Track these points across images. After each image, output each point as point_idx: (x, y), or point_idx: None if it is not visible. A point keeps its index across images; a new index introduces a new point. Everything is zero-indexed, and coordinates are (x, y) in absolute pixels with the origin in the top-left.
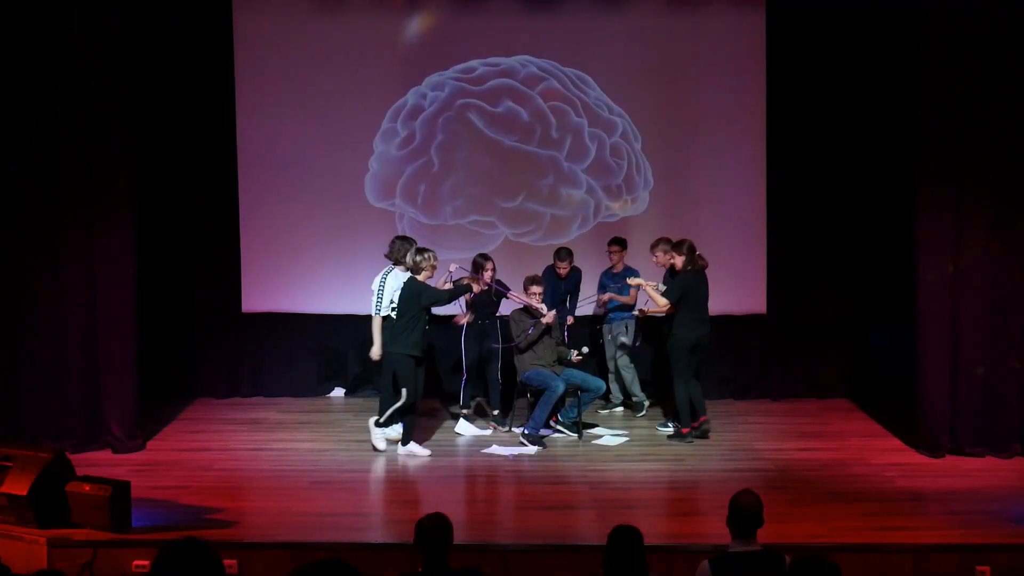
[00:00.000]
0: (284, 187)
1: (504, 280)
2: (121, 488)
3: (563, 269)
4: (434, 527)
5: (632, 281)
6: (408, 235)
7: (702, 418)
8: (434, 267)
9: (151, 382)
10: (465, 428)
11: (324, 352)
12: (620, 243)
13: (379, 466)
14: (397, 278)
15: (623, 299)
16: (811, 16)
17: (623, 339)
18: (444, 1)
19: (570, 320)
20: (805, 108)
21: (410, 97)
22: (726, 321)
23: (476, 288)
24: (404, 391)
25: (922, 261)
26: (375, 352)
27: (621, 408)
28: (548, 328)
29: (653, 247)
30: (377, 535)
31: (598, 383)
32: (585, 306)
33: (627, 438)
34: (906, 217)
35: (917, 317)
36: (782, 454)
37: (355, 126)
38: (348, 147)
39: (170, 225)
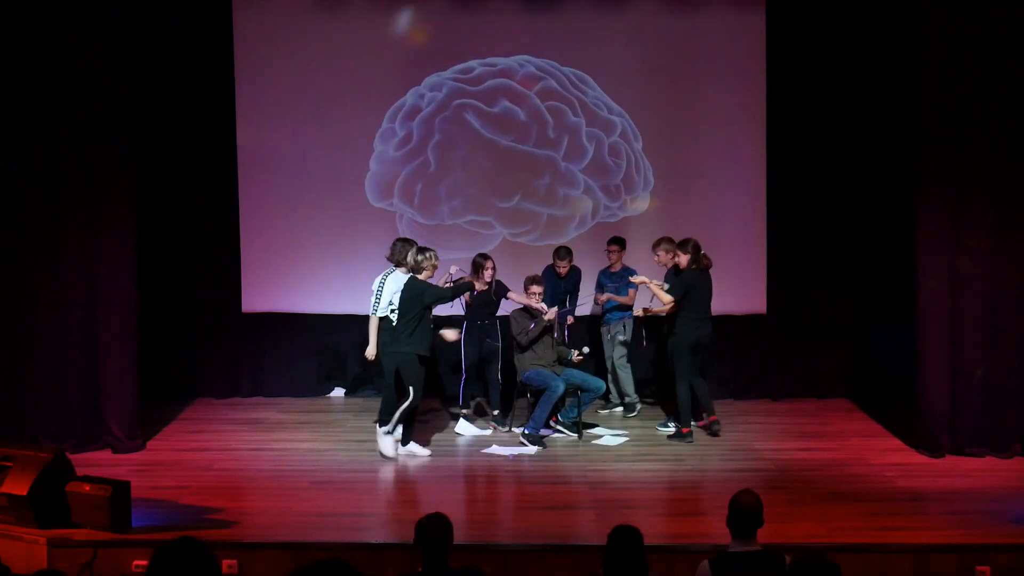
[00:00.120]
0: (284, 187)
1: (504, 280)
2: (121, 488)
3: (563, 268)
4: (434, 527)
5: (636, 279)
6: (407, 236)
7: (711, 417)
8: (435, 267)
9: (151, 382)
10: (465, 428)
11: (324, 352)
12: (619, 243)
13: (379, 466)
14: (397, 280)
15: (621, 299)
16: (811, 16)
17: (621, 339)
18: (444, 1)
19: (570, 320)
20: (805, 108)
21: (409, 97)
22: (726, 321)
23: (478, 286)
24: (411, 390)
25: (922, 261)
26: (370, 352)
27: (621, 408)
28: (550, 325)
29: (655, 246)
30: (377, 535)
31: (598, 383)
32: (584, 306)
33: (627, 438)
34: (906, 217)
35: (917, 317)
36: (782, 454)
37: (355, 126)
38: (348, 147)
39: (170, 225)
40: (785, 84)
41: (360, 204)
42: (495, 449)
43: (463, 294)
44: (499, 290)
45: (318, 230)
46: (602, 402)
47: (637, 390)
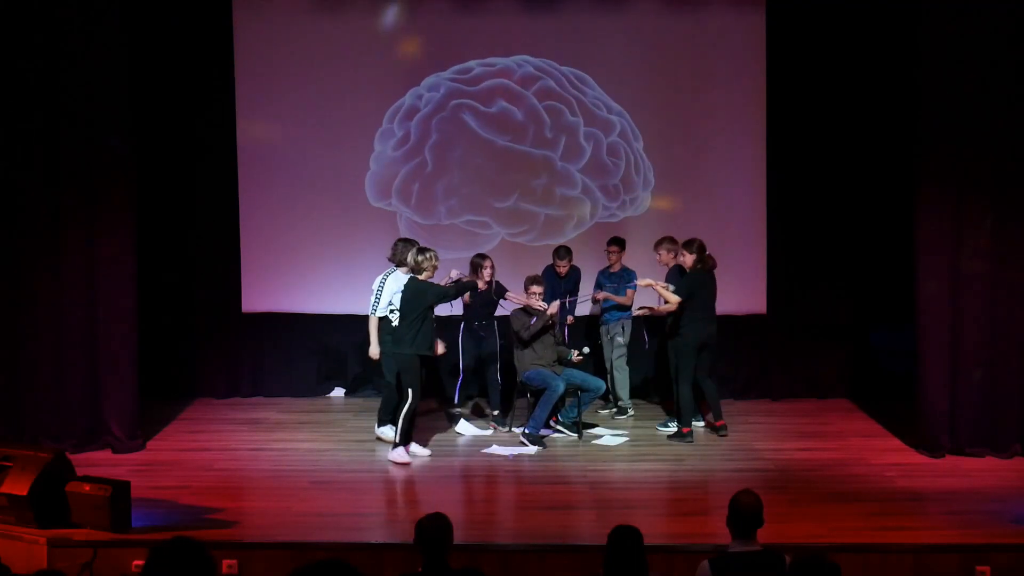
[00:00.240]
0: (284, 187)
1: (503, 281)
2: (121, 488)
3: (562, 268)
4: (434, 527)
5: (642, 282)
6: (408, 236)
7: (719, 422)
8: (435, 267)
9: (151, 382)
10: (465, 428)
11: (324, 352)
12: (619, 243)
13: (379, 466)
14: (397, 280)
15: (619, 299)
16: (811, 16)
17: (620, 340)
18: (445, 2)
19: (570, 320)
20: (805, 108)
21: (408, 98)
22: (726, 321)
23: (481, 285)
24: (410, 392)
25: (922, 261)
26: (374, 351)
27: (614, 410)
28: (552, 321)
29: (657, 246)
30: (377, 535)
31: (598, 383)
32: (583, 305)
33: (627, 438)
34: (906, 217)
35: (917, 317)
36: (782, 454)
37: (355, 126)
38: (348, 147)
39: (170, 225)
40: (785, 84)
41: (360, 204)
42: (495, 449)
43: (465, 293)
44: (498, 290)
45: (318, 230)
46: (602, 402)
47: (638, 391)
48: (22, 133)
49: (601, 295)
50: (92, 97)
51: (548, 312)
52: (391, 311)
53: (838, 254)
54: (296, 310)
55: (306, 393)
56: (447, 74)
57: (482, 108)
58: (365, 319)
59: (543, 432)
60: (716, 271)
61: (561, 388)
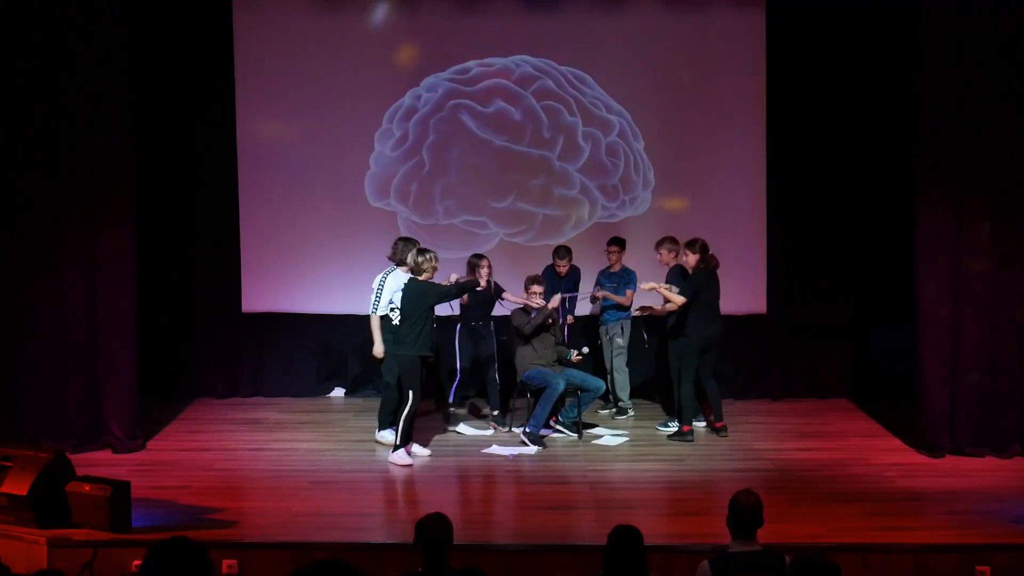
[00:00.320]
0: (284, 187)
1: (503, 281)
2: (121, 488)
3: (562, 268)
4: (434, 527)
5: (645, 286)
6: (408, 236)
7: (719, 424)
8: (435, 269)
9: (151, 382)
10: (466, 428)
11: (324, 352)
12: (619, 243)
13: (379, 466)
14: (398, 278)
15: (618, 299)
16: (811, 16)
17: (619, 341)
18: (445, 2)
19: (570, 320)
20: (805, 108)
21: (407, 98)
22: (726, 321)
23: (483, 283)
24: (411, 394)
25: (922, 261)
26: (378, 350)
27: (613, 410)
28: (553, 314)
29: (658, 245)
30: (377, 535)
31: (598, 383)
32: (583, 305)
33: (627, 438)
34: (906, 217)
35: (917, 317)
36: (782, 454)
37: (355, 126)
38: (348, 147)
39: (170, 225)
40: (785, 84)
41: (360, 204)
42: (495, 449)
43: (467, 292)
44: (496, 290)
45: (318, 230)
46: (602, 402)
47: (638, 391)
48: (22, 133)
49: (601, 293)
50: (92, 97)
51: (549, 306)
52: (391, 309)
53: (838, 254)
54: (296, 310)
55: (306, 393)
56: (446, 74)
57: (480, 108)
58: (365, 319)
59: (543, 432)
60: (716, 271)
61: (561, 386)
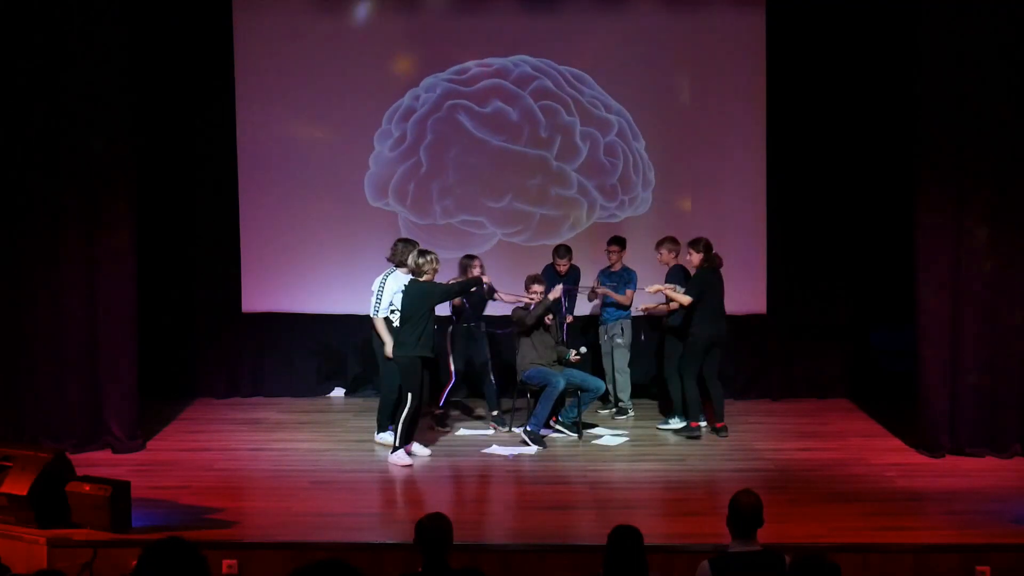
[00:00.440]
0: (284, 187)
1: (502, 281)
2: (121, 488)
3: (562, 267)
4: (434, 527)
5: (651, 288)
6: (407, 236)
7: (719, 424)
8: (436, 270)
9: (151, 382)
10: (466, 428)
11: (324, 352)
12: (619, 243)
13: (379, 466)
14: (397, 280)
15: (618, 297)
16: (811, 16)
17: (620, 342)
18: (445, 2)
19: (569, 319)
20: (805, 108)
21: (406, 98)
22: (726, 321)
23: (486, 279)
24: (410, 396)
25: (922, 261)
26: (389, 350)
27: (614, 410)
28: (553, 312)
29: (658, 245)
30: (377, 535)
31: (598, 383)
32: (582, 304)
33: (627, 438)
34: (906, 217)
35: (917, 317)
36: (782, 454)
37: (355, 126)
38: (348, 147)
39: (170, 225)
40: (785, 84)
41: (360, 204)
42: (495, 449)
43: (471, 289)
44: (489, 290)
45: (318, 230)
46: (600, 403)
47: (638, 391)
48: (22, 133)
49: (601, 290)
50: (92, 97)
51: (550, 297)
52: (391, 312)
53: (838, 254)
54: (296, 310)
55: (306, 393)
56: (445, 75)
57: (477, 108)
58: (365, 319)
59: (543, 432)
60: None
61: (561, 384)
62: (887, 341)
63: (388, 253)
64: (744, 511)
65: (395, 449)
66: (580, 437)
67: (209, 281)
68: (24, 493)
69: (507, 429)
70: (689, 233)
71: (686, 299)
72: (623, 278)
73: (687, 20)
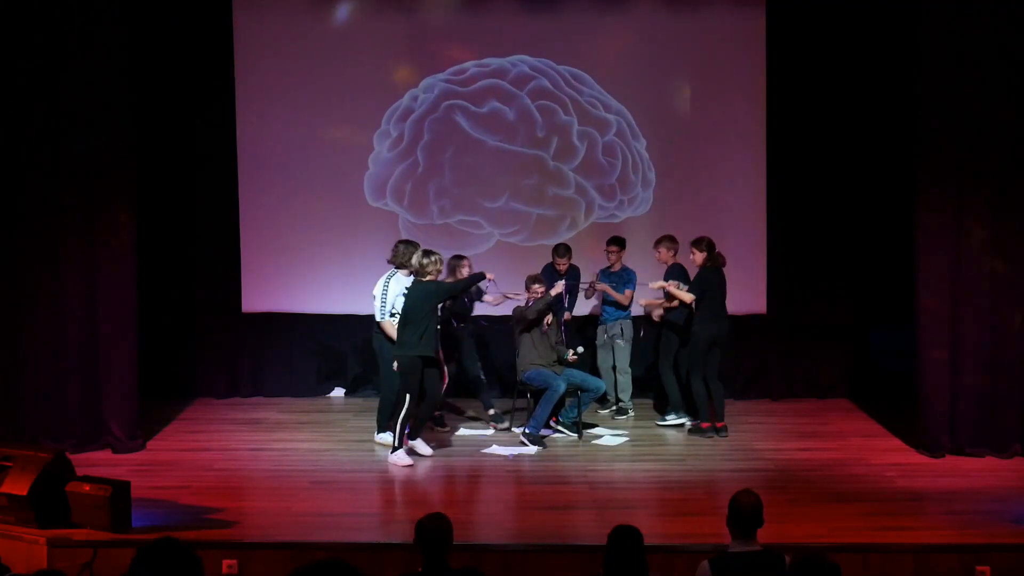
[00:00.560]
0: (284, 187)
1: (502, 281)
2: (121, 488)
3: (562, 266)
4: (434, 527)
5: (654, 285)
6: (406, 236)
7: (719, 423)
8: (439, 271)
9: (151, 382)
10: (466, 428)
11: (324, 352)
12: (619, 243)
13: (379, 466)
14: (399, 282)
15: (617, 296)
16: (811, 16)
17: (620, 342)
18: (445, 3)
19: (567, 316)
20: (805, 108)
21: (405, 99)
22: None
23: (489, 276)
24: (408, 397)
25: (922, 261)
26: None
27: (614, 409)
28: (553, 309)
29: (657, 244)
30: (377, 535)
31: (598, 383)
32: (582, 304)
33: (627, 438)
34: (906, 217)
35: (917, 317)
36: (782, 454)
37: (355, 126)
38: (348, 147)
39: (170, 225)
40: (785, 84)
41: (360, 204)
42: (495, 449)
43: (474, 285)
44: (477, 292)
45: (318, 230)
46: (598, 404)
47: (639, 391)
48: (22, 133)
49: (600, 285)
50: (92, 97)
51: (554, 292)
52: (391, 315)
53: (838, 254)
54: (296, 310)
55: (306, 393)
56: (443, 75)
57: (473, 108)
58: (365, 319)
59: (543, 432)
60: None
61: (562, 388)
62: (887, 341)
63: (389, 255)
64: (744, 511)
65: (395, 449)
66: (580, 437)
67: (209, 281)
68: (24, 493)
69: (506, 427)
70: (689, 233)
71: (689, 296)
72: (623, 278)
73: (687, 20)
